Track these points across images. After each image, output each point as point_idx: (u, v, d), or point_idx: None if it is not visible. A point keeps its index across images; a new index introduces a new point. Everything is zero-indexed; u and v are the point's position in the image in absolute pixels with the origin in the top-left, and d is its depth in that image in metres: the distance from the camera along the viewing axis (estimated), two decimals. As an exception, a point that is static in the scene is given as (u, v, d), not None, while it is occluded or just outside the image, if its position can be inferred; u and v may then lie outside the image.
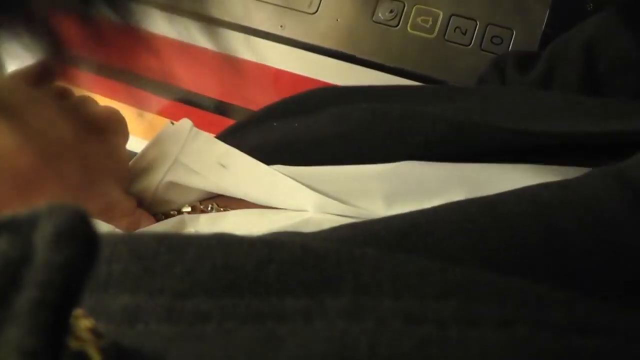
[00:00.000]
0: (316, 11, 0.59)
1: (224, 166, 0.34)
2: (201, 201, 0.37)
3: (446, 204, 0.24)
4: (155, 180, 0.36)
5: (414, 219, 0.23)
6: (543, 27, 0.56)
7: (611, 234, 0.22)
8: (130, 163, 0.38)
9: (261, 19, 0.58)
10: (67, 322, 0.13)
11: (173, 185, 0.36)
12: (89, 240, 0.13)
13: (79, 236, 0.13)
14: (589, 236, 0.22)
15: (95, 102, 0.36)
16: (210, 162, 0.35)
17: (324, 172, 0.33)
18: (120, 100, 0.42)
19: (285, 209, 0.33)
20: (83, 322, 0.15)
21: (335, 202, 0.31)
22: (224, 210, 0.35)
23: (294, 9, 0.59)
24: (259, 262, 0.18)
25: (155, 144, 0.37)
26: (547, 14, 0.56)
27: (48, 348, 0.13)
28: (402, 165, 0.31)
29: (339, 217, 0.31)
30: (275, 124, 0.38)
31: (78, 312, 0.15)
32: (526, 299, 0.17)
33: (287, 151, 0.35)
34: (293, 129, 0.36)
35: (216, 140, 0.37)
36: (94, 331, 0.15)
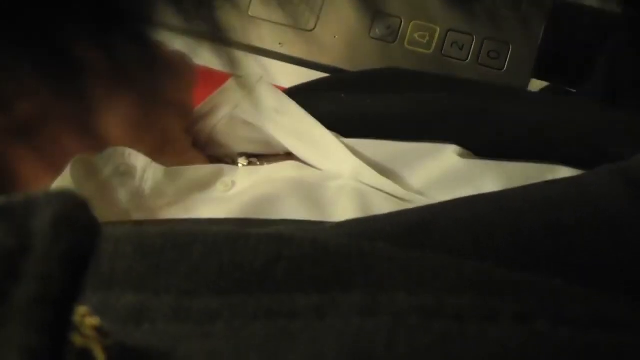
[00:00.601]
0: (314, 28, 0.59)
1: (278, 114, 0.35)
2: (252, 154, 0.37)
3: (453, 200, 0.24)
4: (215, 120, 0.37)
5: (420, 215, 0.22)
6: (539, 41, 0.57)
7: (615, 231, 0.22)
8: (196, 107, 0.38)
9: (259, 37, 0.58)
10: (70, 317, 0.13)
11: (229, 129, 0.37)
12: (90, 228, 0.13)
13: (79, 224, 0.13)
14: (593, 234, 0.22)
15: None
16: (267, 109, 0.36)
17: (372, 144, 0.34)
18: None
19: (322, 170, 0.33)
20: (89, 320, 0.15)
21: (373, 171, 0.32)
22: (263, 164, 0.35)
23: (292, 27, 0.59)
24: (267, 259, 0.17)
25: (223, 90, 0.38)
26: (544, 28, 0.56)
27: (51, 345, 0.12)
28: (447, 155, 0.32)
29: (373, 190, 0.31)
30: (343, 96, 0.38)
31: (83, 310, 0.15)
32: (543, 294, 0.17)
33: (355, 124, 0.35)
34: (365, 104, 0.36)
35: (278, 91, 0.37)
36: (99, 330, 0.15)
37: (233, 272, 0.17)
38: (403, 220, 0.22)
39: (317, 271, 0.17)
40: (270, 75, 0.58)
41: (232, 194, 0.33)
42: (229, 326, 0.16)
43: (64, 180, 0.30)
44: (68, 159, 0.33)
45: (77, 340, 0.14)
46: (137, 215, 0.32)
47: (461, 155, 0.34)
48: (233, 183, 0.34)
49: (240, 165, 0.37)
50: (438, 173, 0.33)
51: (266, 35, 0.58)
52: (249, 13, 0.58)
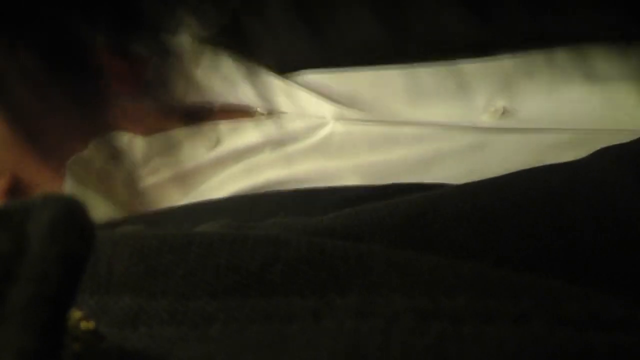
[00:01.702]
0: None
1: (239, 80, 0.35)
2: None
3: (453, 188, 0.23)
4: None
5: (420, 204, 0.22)
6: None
7: (621, 225, 0.21)
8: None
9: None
10: (65, 319, 0.13)
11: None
12: (86, 231, 0.13)
13: (75, 227, 0.13)
14: (598, 228, 0.21)
15: None
16: (225, 78, 0.35)
17: (347, 75, 0.33)
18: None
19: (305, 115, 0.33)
20: (84, 323, 0.15)
21: (354, 111, 0.32)
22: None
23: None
24: (264, 261, 0.17)
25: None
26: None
27: (47, 348, 0.12)
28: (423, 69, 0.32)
29: (362, 126, 0.31)
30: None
31: (79, 314, 0.15)
32: (541, 293, 0.17)
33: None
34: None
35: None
36: (95, 333, 0.15)
37: (230, 275, 0.17)
38: (402, 211, 0.22)
39: (314, 274, 0.17)
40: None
41: (219, 153, 0.34)
42: (226, 329, 0.16)
43: (67, 184, 0.31)
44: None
45: (73, 344, 0.14)
46: (144, 184, 0.33)
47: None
48: (217, 139, 0.34)
49: (220, 121, 0.36)
50: (416, 84, 0.32)
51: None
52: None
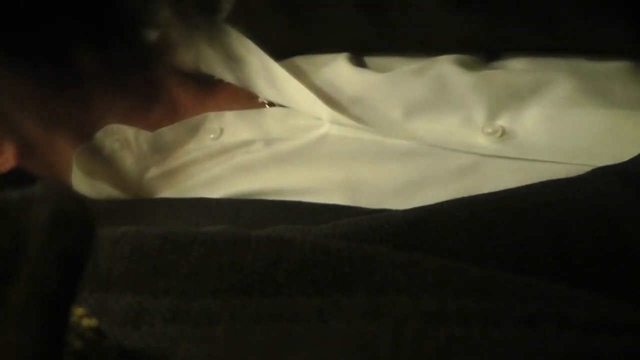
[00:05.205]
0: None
1: (243, 63, 0.35)
2: None
3: (450, 200, 0.24)
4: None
5: (418, 214, 0.22)
6: None
7: (615, 232, 0.22)
8: None
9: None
10: (66, 318, 0.12)
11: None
12: (86, 227, 0.12)
13: (74, 223, 0.12)
14: (593, 235, 0.21)
15: None
16: (230, 58, 0.35)
17: (346, 75, 0.33)
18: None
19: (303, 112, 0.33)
20: (87, 321, 0.14)
21: (349, 117, 0.32)
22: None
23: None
24: (267, 261, 0.17)
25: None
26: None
27: (47, 347, 0.12)
28: (434, 69, 0.32)
29: (356, 132, 0.31)
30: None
31: (82, 311, 0.14)
32: (548, 298, 0.17)
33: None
34: None
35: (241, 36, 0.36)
36: (98, 331, 0.14)
37: (233, 274, 0.17)
38: (401, 219, 0.22)
39: (318, 274, 0.17)
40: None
41: (222, 143, 0.34)
42: (230, 329, 0.16)
43: (75, 172, 0.32)
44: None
45: (74, 341, 0.14)
46: (149, 175, 0.34)
47: (461, 64, 0.32)
48: (221, 130, 0.34)
49: (225, 112, 0.35)
50: (418, 91, 0.32)
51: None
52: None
